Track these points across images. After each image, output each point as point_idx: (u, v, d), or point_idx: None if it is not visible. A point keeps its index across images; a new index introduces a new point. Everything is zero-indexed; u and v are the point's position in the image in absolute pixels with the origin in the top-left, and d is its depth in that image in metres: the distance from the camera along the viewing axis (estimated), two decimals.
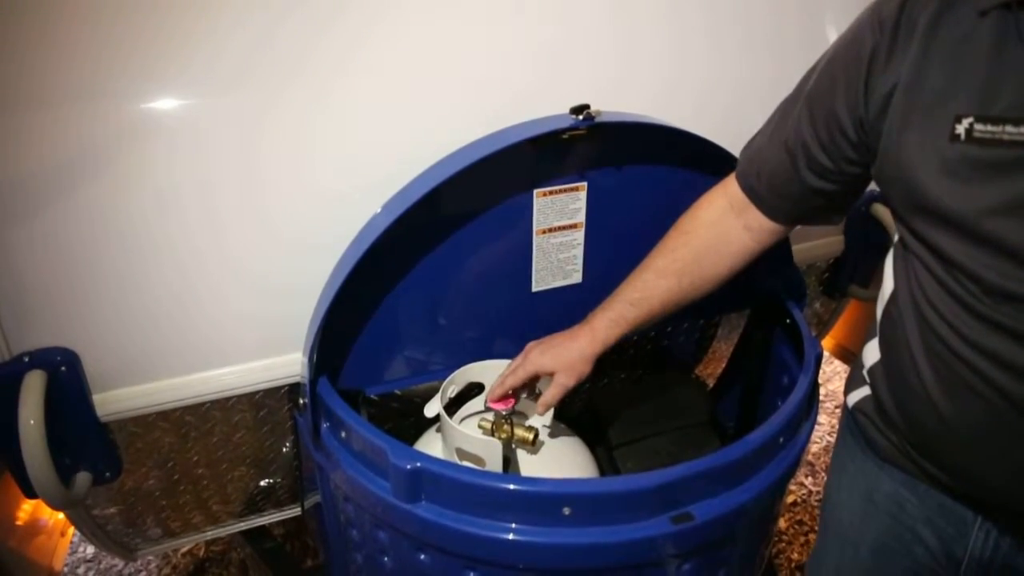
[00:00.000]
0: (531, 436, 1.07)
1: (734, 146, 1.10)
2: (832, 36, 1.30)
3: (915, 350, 0.80)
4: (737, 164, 0.98)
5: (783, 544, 2.02)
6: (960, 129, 0.70)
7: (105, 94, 0.92)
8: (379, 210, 1.05)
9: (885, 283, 0.88)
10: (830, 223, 0.98)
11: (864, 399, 0.93)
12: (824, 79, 0.84)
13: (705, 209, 1.00)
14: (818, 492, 2.19)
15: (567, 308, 1.25)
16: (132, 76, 0.93)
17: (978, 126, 0.69)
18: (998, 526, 0.84)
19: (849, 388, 0.98)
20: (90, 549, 2.02)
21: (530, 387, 1.09)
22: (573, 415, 1.33)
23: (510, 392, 1.06)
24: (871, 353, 0.91)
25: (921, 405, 0.81)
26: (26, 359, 0.97)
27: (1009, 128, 0.67)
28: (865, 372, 0.93)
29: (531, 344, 1.06)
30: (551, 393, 1.03)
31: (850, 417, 0.98)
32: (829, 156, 0.85)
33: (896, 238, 0.86)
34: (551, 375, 1.03)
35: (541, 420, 1.18)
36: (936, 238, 0.75)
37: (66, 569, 1.95)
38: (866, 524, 0.96)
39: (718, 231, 0.99)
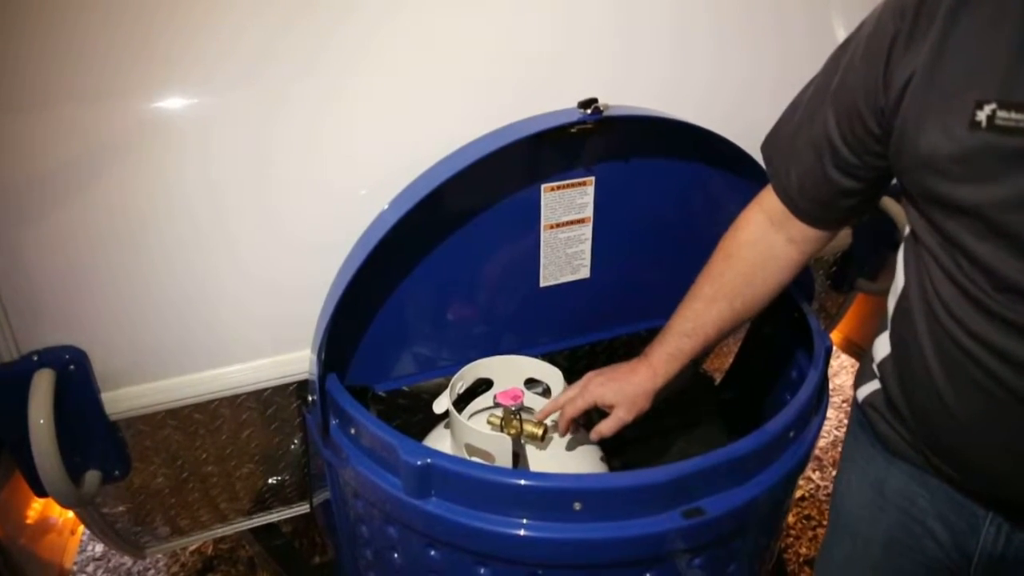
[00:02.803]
0: (540, 432, 1.07)
1: (740, 139, 1.09)
2: (837, 27, 1.29)
3: (924, 344, 0.80)
4: (770, 176, 0.96)
5: (791, 539, 2.02)
6: (981, 116, 0.67)
7: (114, 93, 0.92)
8: (386, 207, 1.05)
9: (897, 277, 0.87)
10: (860, 218, 0.97)
11: (874, 393, 0.93)
12: (847, 74, 0.82)
13: (744, 229, 0.98)
14: (826, 487, 2.19)
15: (575, 303, 1.25)
16: (141, 75, 0.93)
17: (1001, 113, 0.66)
18: (1009, 520, 0.84)
19: (859, 382, 0.97)
20: (99, 547, 2.02)
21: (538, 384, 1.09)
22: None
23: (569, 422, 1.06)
24: (881, 347, 0.90)
25: (928, 399, 0.81)
26: (35, 358, 0.97)
27: None
28: (875, 366, 0.92)
29: (591, 374, 1.05)
30: (608, 425, 1.03)
31: (860, 411, 0.97)
32: (853, 151, 0.83)
33: (907, 230, 0.85)
34: (610, 407, 1.03)
35: (550, 416, 1.17)
36: (951, 230, 0.73)
37: (75, 567, 1.96)
38: (876, 519, 0.96)
39: (761, 249, 0.97)
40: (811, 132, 0.87)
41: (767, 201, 0.96)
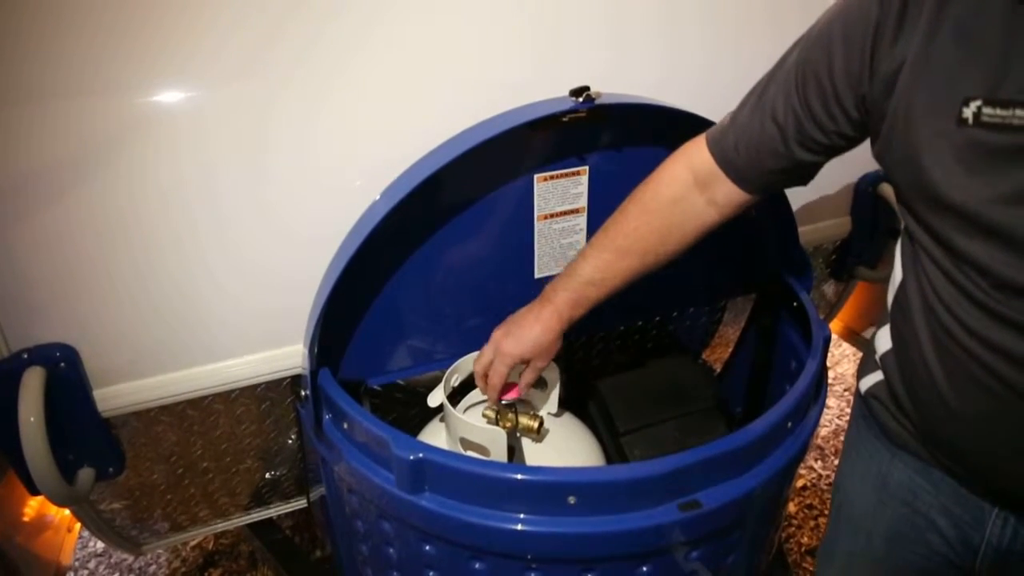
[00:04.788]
0: (536, 424, 1.06)
1: None
2: None
3: (923, 341, 0.79)
4: (709, 136, 0.94)
5: (793, 528, 2.01)
6: (968, 113, 0.66)
7: (107, 88, 0.91)
8: (378, 197, 1.04)
9: (895, 270, 0.86)
10: (799, 186, 0.95)
11: (877, 384, 0.92)
12: (820, 51, 0.79)
13: (668, 185, 0.96)
14: (827, 476, 2.18)
15: None
16: (135, 69, 0.92)
17: (986, 110, 0.65)
18: (1016, 514, 0.83)
19: (862, 373, 0.96)
20: (100, 544, 2.02)
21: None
22: (573, 395, 1.31)
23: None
24: (883, 340, 0.89)
25: (929, 395, 0.80)
26: (25, 356, 0.96)
27: (1019, 112, 0.63)
28: (878, 358, 0.91)
29: (497, 333, 1.03)
30: (529, 376, 1.04)
31: (863, 403, 0.96)
32: (823, 131, 0.82)
33: (903, 226, 0.83)
34: (527, 361, 1.03)
35: (546, 408, 1.17)
36: (943, 228, 0.72)
37: (77, 563, 1.96)
38: (879, 512, 0.94)
39: (681, 208, 0.95)
40: (769, 105, 0.85)
41: (696, 158, 0.94)
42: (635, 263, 0.97)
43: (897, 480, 0.91)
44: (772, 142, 0.86)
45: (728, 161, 0.91)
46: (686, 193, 0.94)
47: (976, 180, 0.67)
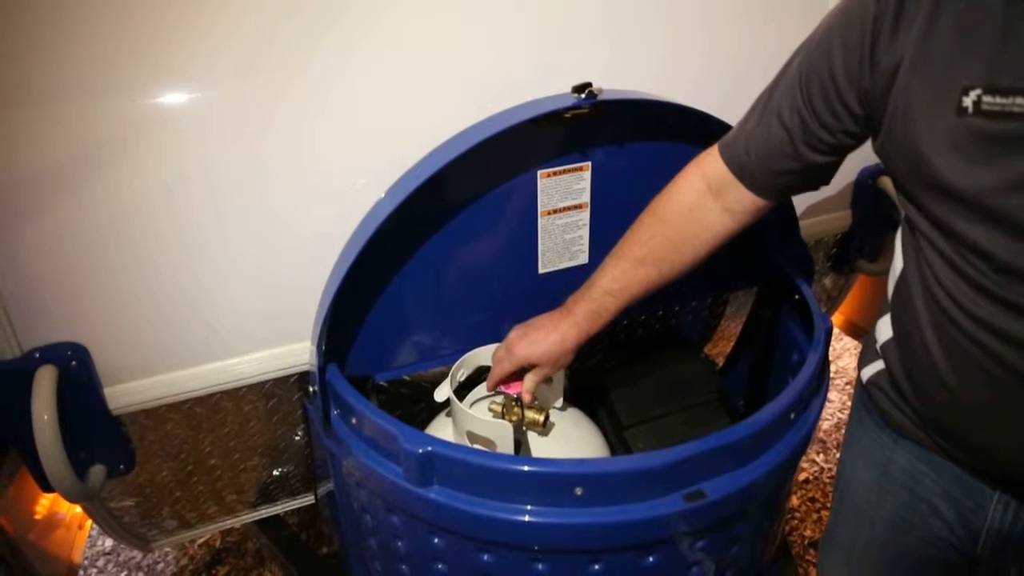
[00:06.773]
0: (541, 418, 1.07)
1: (736, 120, 1.08)
2: (832, 4, 1.27)
3: (924, 328, 0.79)
4: (721, 144, 0.95)
5: (796, 521, 2.02)
6: (967, 101, 0.67)
7: (110, 90, 0.92)
8: (383, 195, 1.05)
9: (896, 259, 0.87)
10: (813, 190, 0.96)
11: (878, 373, 0.93)
12: (821, 52, 0.81)
13: (684, 193, 0.97)
14: (830, 469, 2.19)
15: (574, 289, 1.24)
16: (137, 71, 0.93)
17: (986, 98, 0.66)
18: (1017, 498, 0.84)
19: (863, 363, 0.97)
20: (108, 542, 2.04)
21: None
22: (577, 389, 1.32)
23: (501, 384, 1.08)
24: (884, 329, 0.90)
25: (931, 382, 0.81)
26: (37, 355, 0.97)
27: (1019, 100, 0.64)
28: (879, 347, 0.92)
29: (513, 333, 1.05)
30: (531, 380, 1.05)
31: (864, 392, 0.97)
32: (829, 131, 0.83)
33: (904, 215, 0.84)
34: (534, 365, 1.04)
35: (551, 402, 1.18)
36: (944, 215, 0.73)
37: (86, 562, 1.97)
38: (882, 499, 0.95)
39: (696, 216, 0.96)
40: (777, 108, 0.87)
41: (709, 166, 0.95)
42: (652, 272, 0.98)
43: (899, 467, 0.92)
44: (781, 144, 0.87)
45: (741, 167, 0.92)
46: (701, 201, 0.96)
47: (978, 168, 0.68)
